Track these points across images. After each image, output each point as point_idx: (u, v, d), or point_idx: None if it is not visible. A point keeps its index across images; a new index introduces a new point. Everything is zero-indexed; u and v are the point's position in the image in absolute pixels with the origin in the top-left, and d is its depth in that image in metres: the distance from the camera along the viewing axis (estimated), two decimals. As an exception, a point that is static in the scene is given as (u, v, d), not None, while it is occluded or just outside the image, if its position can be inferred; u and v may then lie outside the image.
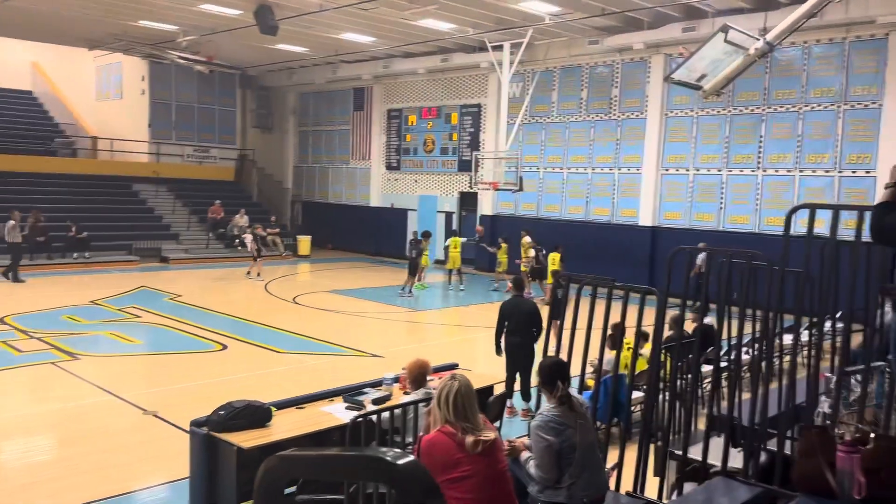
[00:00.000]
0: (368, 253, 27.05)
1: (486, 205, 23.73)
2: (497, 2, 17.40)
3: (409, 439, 5.65)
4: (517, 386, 8.71)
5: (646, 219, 20.00)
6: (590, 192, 21.34)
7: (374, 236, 27.19)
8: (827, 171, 17.01)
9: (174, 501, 6.32)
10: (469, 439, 3.79)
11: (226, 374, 10.54)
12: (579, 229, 21.01)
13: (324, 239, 28.32)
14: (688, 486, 4.84)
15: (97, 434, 7.95)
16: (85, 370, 10.40)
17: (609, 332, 5.67)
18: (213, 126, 29.72)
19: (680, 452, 4.96)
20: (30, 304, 15.19)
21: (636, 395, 7.58)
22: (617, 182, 20.74)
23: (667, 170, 19.76)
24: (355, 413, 5.73)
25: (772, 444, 4.62)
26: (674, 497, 4.88)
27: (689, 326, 7.91)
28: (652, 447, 5.26)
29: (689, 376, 5.80)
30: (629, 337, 6.68)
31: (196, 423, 5.60)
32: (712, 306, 6.25)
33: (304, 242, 26.67)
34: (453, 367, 7.47)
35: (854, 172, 16.61)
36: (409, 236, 19.87)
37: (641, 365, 7.52)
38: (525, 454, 4.56)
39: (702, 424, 5.46)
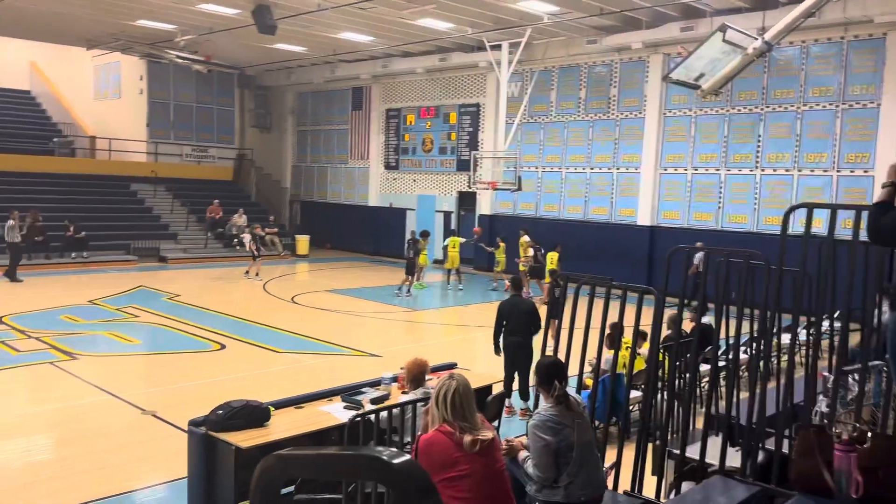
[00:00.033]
0: (367, 252, 27.05)
1: (485, 204, 23.73)
2: (495, 1, 17.40)
3: (408, 439, 5.65)
4: (516, 385, 8.72)
5: (644, 218, 20.01)
6: (588, 192, 21.35)
7: (372, 236, 27.19)
8: (825, 171, 17.03)
9: (172, 501, 6.32)
10: (467, 438, 3.80)
11: (224, 374, 10.54)
12: (578, 229, 21.02)
13: (322, 238, 28.32)
14: (686, 486, 4.85)
15: (96, 434, 7.95)
16: (83, 370, 10.39)
17: (607, 331, 5.68)
18: (211, 126, 29.71)
19: (678, 452, 4.96)
20: (28, 304, 15.18)
21: (634, 394, 7.59)
22: (615, 181, 20.76)
23: (665, 169, 19.77)
24: (354, 413, 5.74)
25: (770, 444, 4.63)
26: (672, 496, 4.89)
27: (687, 326, 7.93)
28: (650, 446, 5.27)
29: (688, 375, 5.80)
30: (627, 336, 6.69)
31: (194, 423, 5.60)
32: (710, 306, 6.27)
33: (303, 242, 26.67)
34: (452, 366, 7.47)
35: (852, 172, 16.63)
36: (408, 236, 19.87)
37: (640, 364, 7.54)
38: (523, 453, 4.57)
39: (700, 424, 5.46)
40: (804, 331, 7.10)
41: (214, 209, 25.86)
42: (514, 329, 8.66)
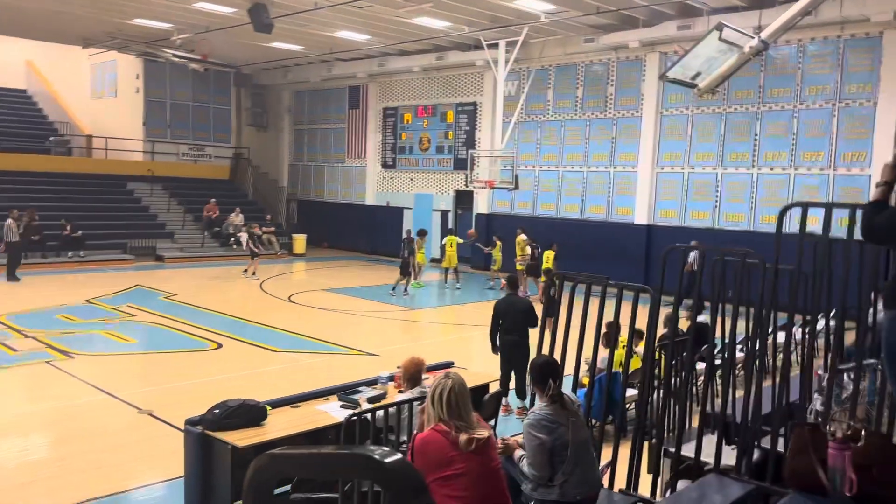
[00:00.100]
0: (364, 251, 27.04)
1: (482, 203, 23.74)
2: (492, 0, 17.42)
3: (404, 438, 5.66)
4: (512, 384, 8.72)
5: (641, 217, 20.03)
6: (585, 191, 21.36)
7: (369, 235, 27.19)
8: (822, 170, 17.06)
9: (169, 500, 6.32)
10: (462, 437, 3.81)
11: (221, 373, 10.54)
12: (575, 228, 21.03)
13: (319, 237, 28.31)
14: (681, 484, 4.86)
15: (92, 433, 7.95)
16: (80, 369, 10.38)
17: (603, 330, 5.69)
18: (207, 124, 29.67)
19: (673, 450, 4.97)
20: (25, 303, 15.16)
21: (630, 392, 7.61)
22: (612, 180, 20.77)
23: (662, 168, 19.79)
24: (350, 412, 5.75)
25: (765, 442, 4.65)
26: (667, 495, 4.90)
27: (683, 325, 7.94)
28: (646, 445, 5.28)
29: (683, 374, 5.82)
30: (624, 335, 6.70)
31: (191, 422, 5.60)
32: (706, 304, 6.28)
33: (300, 241, 26.66)
34: (449, 365, 7.49)
35: (849, 170, 16.66)
36: (404, 235, 19.87)
37: (636, 363, 7.55)
38: (518, 452, 4.58)
39: (695, 422, 5.47)
40: (800, 329, 7.12)
41: (211, 208, 25.84)
42: (511, 328, 8.67)
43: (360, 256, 26.45)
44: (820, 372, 5.05)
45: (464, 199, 24.54)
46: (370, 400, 6.15)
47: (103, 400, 9.11)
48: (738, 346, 6.68)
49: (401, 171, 26.60)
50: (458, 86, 24.49)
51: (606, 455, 5.31)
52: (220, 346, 12.32)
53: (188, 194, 26.89)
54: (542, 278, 16.00)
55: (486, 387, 7.15)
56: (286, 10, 18.68)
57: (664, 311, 5.89)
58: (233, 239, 24.14)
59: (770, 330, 5.23)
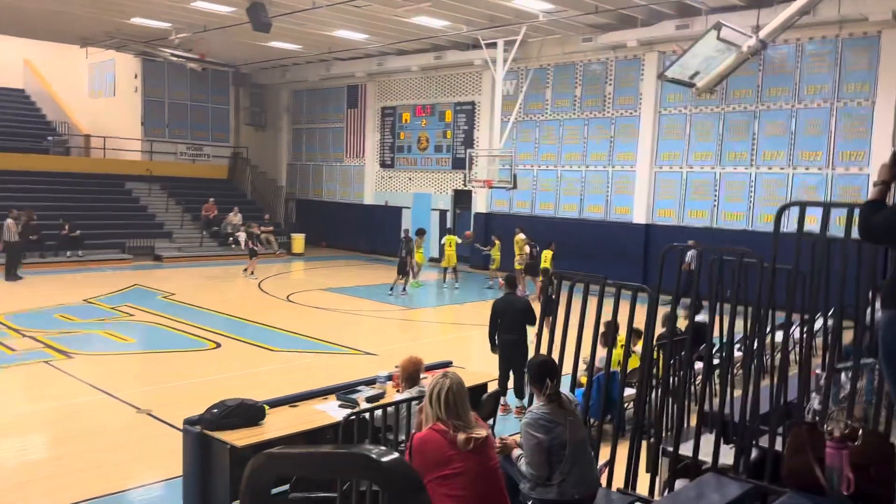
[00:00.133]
0: (363, 251, 27.03)
1: (481, 203, 23.74)
2: (491, -1, 17.42)
3: (403, 437, 5.66)
4: (511, 383, 8.73)
5: (640, 216, 20.04)
6: (584, 190, 21.37)
7: (368, 234, 27.19)
8: (820, 169, 17.08)
9: (168, 499, 6.32)
10: (460, 437, 3.81)
11: (219, 373, 10.54)
12: (573, 227, 21.04)
13: (318, 237, 28.31)
14: (679, 483, 4.87)
15: (91, 433, 7.94)
16: (78, 369, 10.38)
17: (601, 329, 5.70)
18: (206, 124, 29.66)
19: (672, 449, 4.98)
20: (23, 303, 15.14)
21: (628, 392, 7.61)
22: (611, 180, 20.77)
23: (660, 167, 19.80)
24: (348, 411, 5.75)
25: (763, 441, 4.65)
26: (665, 494, 4.91)
27: (682, 324, 7.95)
28: (644, 444, 5.28)
29: (682, 373, 5.82)
30: (622, 334, 6.71)
31: (189, 422, 5.60)
32: (704, 303, 6.29)
33: (298, 240, 26.66)
34: (447, 364, 7.48)
35: (847, 170, 16.68)
36: (402, 234, 19.87)
37: (634, 362, 7.55)
38: (516, 451, 4.59)
39: (693, 421, 5.48)
40: (798, 328, 7.12)
41: (209, 207, 25.82)
42: (509, 327, 8.67)
43: (358, 256, 26.44)
44: (818, 371, 5.07)
45: (462, 198, 24.54)
46: (368, 399, 6.15)
47: (102, 399, 9.11)
48: (737, 346, 6.69)
49: (399, 170, 26.59)
50: (456, 85, 24.49)
51: (605, 454, 5.32)
52: (218, 345, 12.32)
53: (186, 194, 26.87)
54: (541, 277, 16.00)
55: (484, 386, 7.15)
56: (284, 9, 18.67)
57: (662, 311, 5.89)
58: (231, 238, 24.15)
59: (768, 329, 5.24)
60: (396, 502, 1.86)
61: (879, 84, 16.04)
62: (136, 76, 27.91)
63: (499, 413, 7.06)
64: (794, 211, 4.56)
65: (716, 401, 5.18)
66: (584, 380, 7.30)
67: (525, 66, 21.88)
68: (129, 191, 26.25)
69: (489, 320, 8.82)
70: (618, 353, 7.06)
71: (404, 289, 18.29)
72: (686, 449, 4.91)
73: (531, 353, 6.70)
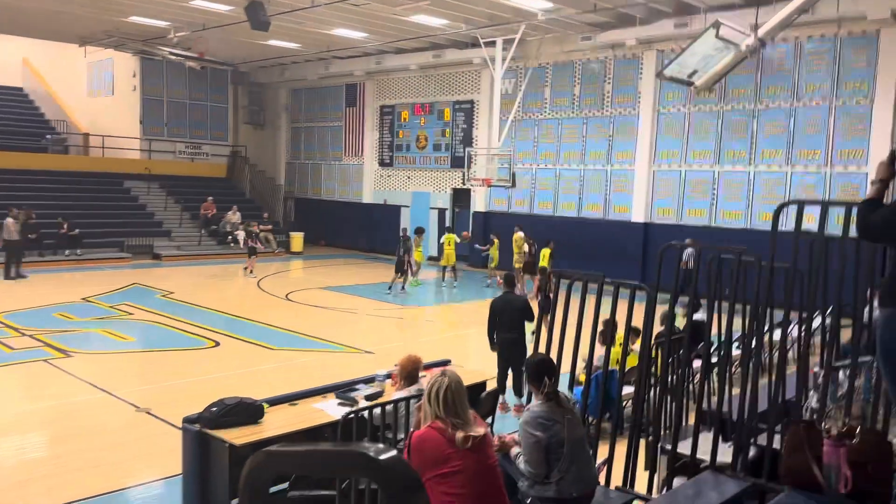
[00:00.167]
0: (361, 249, 27.04)
1: (479, 201, 23.74)
2: (489, -2, 17.42)
3: (401, 435, 5.67)
4: (509, 382, 8.74)
5: (638, 215, 20.05)
6: (582, 189, 21.37)
7: (367, 233, 27.19)
8: (819, 167, 17.09)
9: (167, 498, 6.33)
10: (459, 435, 3.81)
11: (218, 371, 10.55)
12: (572, 226, 21.04)
13: (316, 235, 28.31)
14: (677, 481, 4.87)
15: (90, 431, 7.95)
16: (77, 367, 10.38)
17: (600, 327, 5.70)
18: (204, 122, 29.65)
19: (670, 447, 4.99)
20: (22, 302, 15.14)
21: (627, 390, 7.61)
22: (609, 178, 20.78)
23: (659, 166, 19.81)
24: (347, 409, 5.76)
25: (761, 439, 4.66)
26: (663, 491, 4.92)
27: (681, 322, 7.96)
28: (642, 442, 5.29)
29: (680, 371, 5.83)
30: (620, 332, 6.71)
31: (188, 420, 5.60)
32: (703, 302, 6.30)
33: (297, 239, 26.66)
34: (446, 363, 7.49)
35: (846, 168, 16.70)
36: (401, 233, 19.86)
37: (632, 360, 7.56)
38: (515, 449, 4.60)
39: (692, 419, 5.49)
40: (796, 327, 7.12)
41: (208, 206, 25.81)
42: (508, 326, 8.68)
43: (357, 254, 26.44)
44: (816, 369, 5.07)
45: (461, 197, 24.54)
46: (367, 398, 6.16)
47: (101, 398, 9.11)
48: (735, 344, 6.70)
49: (398, 169, 26.59)
50: (455, 84, 24.48)
51: (603, 452, 5.33)
52: (217, 344, 12.32)
53: (185, 192, 26.85)
54: (539, 276, 16.01)
55: (482, 384, 7.16)
56: (283, 7, 18.66)
57: (660, 309, 5.90)
58: (230, 237, 24.15)
59: (766, 328, 5.24)
60: (395, 500, 1.87)
61: (878, 82, 16.05)
62: (134, 75, 27.90)
63: (497, 411, 7.08)
64: (793, 209, 4.56)
65: (714, 399, 5.20)
66: (582, 378, 7.31)
67: (524, 65, 21.89)
68: (128, 189, 26.24)
69: (488, 319, 8.83)
70: (616, 351, 7.08)
71: (403, 287, 18.29)
72: (684, 447, 4.91)
73: (530, 352, 6.70)
